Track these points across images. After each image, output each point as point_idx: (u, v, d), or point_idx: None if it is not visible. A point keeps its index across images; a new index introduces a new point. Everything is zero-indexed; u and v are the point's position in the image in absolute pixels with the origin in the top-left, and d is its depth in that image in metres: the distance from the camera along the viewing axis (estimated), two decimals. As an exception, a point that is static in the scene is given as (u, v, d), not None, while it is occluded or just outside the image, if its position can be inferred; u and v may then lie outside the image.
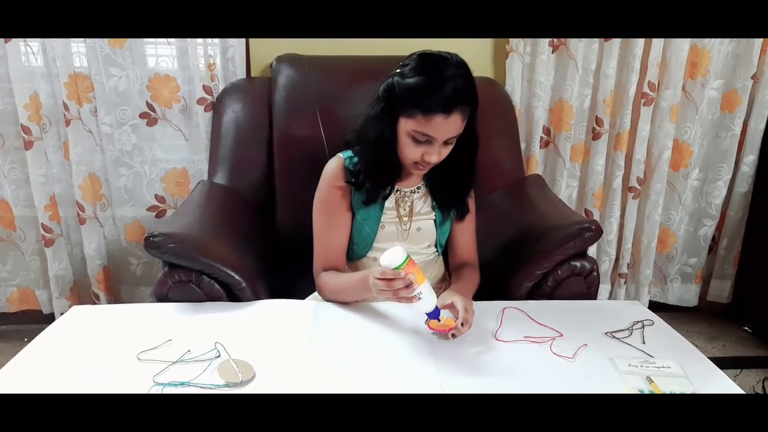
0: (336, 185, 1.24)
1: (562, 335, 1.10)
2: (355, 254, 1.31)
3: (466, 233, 1.36)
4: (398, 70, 1.14)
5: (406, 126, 1.12)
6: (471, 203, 1.35)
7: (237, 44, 1.80)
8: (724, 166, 2.07)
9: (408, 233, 1.29)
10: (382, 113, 1.15)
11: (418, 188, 1.31)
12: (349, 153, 1.27)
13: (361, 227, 1.26)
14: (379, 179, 1.22)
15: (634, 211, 2.09)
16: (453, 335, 1.06)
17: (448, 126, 1.10)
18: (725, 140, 2.05)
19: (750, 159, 2.07)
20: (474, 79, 1.13)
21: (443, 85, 1.07)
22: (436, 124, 1.09)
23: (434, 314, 1.05)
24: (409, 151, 1.15)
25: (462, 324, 1.04)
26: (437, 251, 1.36)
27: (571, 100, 1.96)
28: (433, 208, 1.31)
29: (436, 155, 1.14)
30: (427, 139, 1.12)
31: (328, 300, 1.25)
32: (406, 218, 1.29)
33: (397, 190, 1.28)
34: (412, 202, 1.29)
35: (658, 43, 1.89)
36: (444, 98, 1.07)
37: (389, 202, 1.27)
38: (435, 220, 1.31)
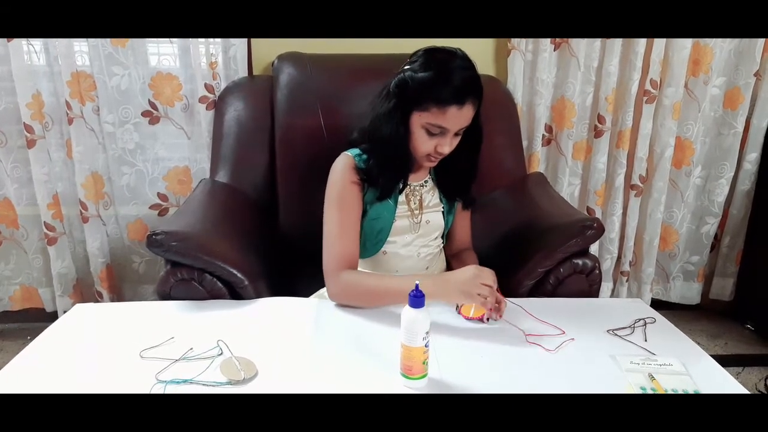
0: (353, 180, 1.24)
1: (564, 332, 1.10)
2: (367, 251, 1.32)
3: (465, 222, 1.42)
4: (407, 67, 1.17)
5: (420, 119, 1.16)
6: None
7: (239, 43, 1.81)
8: (727, 164, 2.07)
9: (419, 226, 1.31)
10: (394, 109, 1.18)
11: (426, 182, 1.34)
12: (357, 151, 1.28)
13: (374, 223, 1.27)
14: (393, 174, 1.24)
15: (636, 209, 2.09)
16: (488, 319, 1.12)
17: (462, 116, 1.14)
18: (728, 138, 2.04)
19: (752, 156, 2.06)
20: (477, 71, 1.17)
21: (455, 77, 1.11)
22: (450, 115, 1.13)
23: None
24: (423, 144, 1.18)
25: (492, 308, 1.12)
26: (442, 242, 1.39)
27: (573, 97, 1.95)
28: (441, 200, 1.35)
29: (449, 146, 1.18)
30: (441, 130, 1.15)
31: (346, 302, 1.19)
32: (417, 211, 1.31)
33: (407, 185, 1.30)
34: (421, 196, 1.32)
35: (660, 40, 1.89)
36: (457, 90, 1.11)
37: (401, 197, 1.29)
38: (443, 211, 1.34)
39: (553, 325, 1.13)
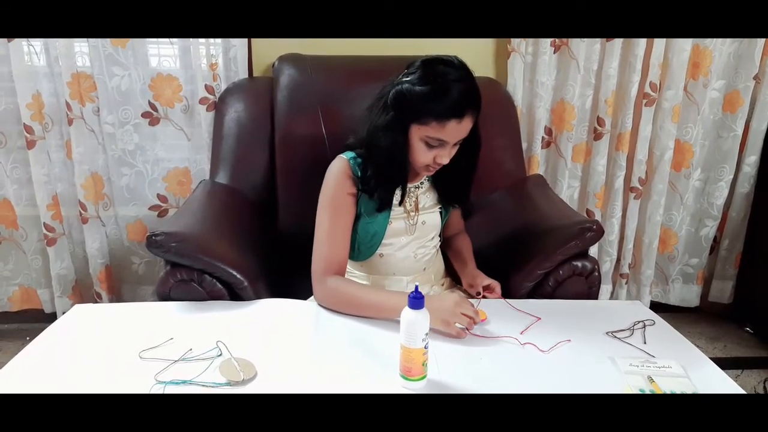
0: (348, 191, 1.23)
1: (539, 319, 1.13)
2: (361, 254, 1.31)
3: (455, 211, 1.43)
4: (405, 79, 1.15)
5: (419, 132, 1.15)
6: None
7: (239, 44, 1.81)
8: (726, 167, 2.07)
9: (415, 227, 1.31)
10: (392, 121, 1.16)
11: (422, 183, 1.33)
12: (352, 154, 1.27)
13: (368, 227, 1.27)
14: (392, 185, 1.24)
15: (635, 212, 2.09)
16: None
17: (461, 129, 1.14)
18: (727, 141, 2.05)
19: (752, 159, 2.06)
20: (476, 80, 1.15)
21: (453, 91, 1.10)
22: (450, 129, 1.12)
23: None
24: (422, 156, 1.17)
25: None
26: (439, 240, 1.40)
27: (573, 100, 1.96)
28: (438, 202, 1.35)
29: (447, 157, 1.17)
30: (440, 143, 1.15)
31: (330, 307, 1.19)
32: (413, 213, 1.31)
33: (405, 191, 1.29)
34: (416, 197, 1.31)
35: (659, 43, 1.89)
36: (456, 104, 1.10)
37: (396, 199, 1.28)
38: (441, 212, 1.35)
39: (529, 314, 1.16)
